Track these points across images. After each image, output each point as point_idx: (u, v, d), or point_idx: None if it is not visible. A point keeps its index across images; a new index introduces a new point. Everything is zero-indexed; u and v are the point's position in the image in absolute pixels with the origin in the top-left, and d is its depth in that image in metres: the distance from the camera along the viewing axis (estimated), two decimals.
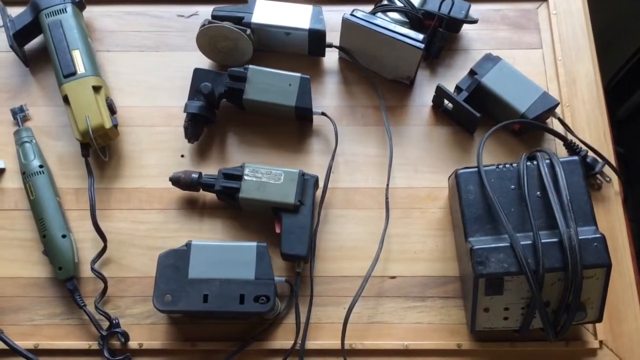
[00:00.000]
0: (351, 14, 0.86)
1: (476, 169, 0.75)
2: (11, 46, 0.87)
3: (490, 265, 0.68)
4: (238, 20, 0.88)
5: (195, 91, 0.86)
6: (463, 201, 0.74)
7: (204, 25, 0.86)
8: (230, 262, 0.76)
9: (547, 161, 0.74)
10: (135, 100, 0.90)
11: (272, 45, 0.91)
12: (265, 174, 0.81)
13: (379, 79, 0.91)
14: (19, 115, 0.88)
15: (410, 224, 0.83)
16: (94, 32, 0.94)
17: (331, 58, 0.93)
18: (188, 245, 0.77)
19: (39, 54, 0.92)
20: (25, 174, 0.83)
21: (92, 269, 0.80)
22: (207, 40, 0.88)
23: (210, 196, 0.85)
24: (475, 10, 0.92)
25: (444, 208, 0.84)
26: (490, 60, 0.87)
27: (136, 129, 0.89)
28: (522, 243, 0.68)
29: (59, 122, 0.89)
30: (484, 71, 0.86)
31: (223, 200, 0.83)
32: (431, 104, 0.90)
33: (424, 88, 0.91)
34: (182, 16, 0.95)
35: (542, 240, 0.68)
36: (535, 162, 0.74)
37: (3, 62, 0.93)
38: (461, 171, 0.75)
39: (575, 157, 0.74)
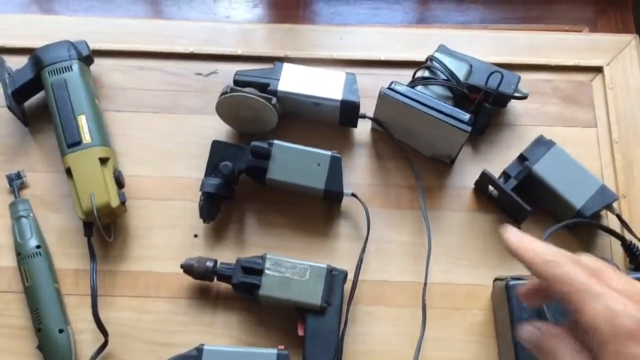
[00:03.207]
0: (389, 88, 0.77)
1: None
2: (9, 107, 0.78)
3: None
4: (263, 87, 0.79)
5: (213, 166, 0.77)
6: (515, 319, 0.65)
7: (225, 93, 0.77)
8: None
9: None
10: (146, 169, 0.82)
11: (299, 114, 0.82)
12: (290, 268, 0.72)
13: (415, 154, 0.83)
14: (15, 183, 0.79)
15: (448, 327, 0.75)
16: (103, 88, 0.85)
17: (363, 128, 0.84)
18: (200, 350, 0.68)
19: (40, 111, 0.83)
20: (21, 255, 0.74)
21: None
22: (227, 108, 0.79)
23: (225, 284, 0.76)
24: (525, 79, 0.83)
25: (486, 310, 0.75)
26: (542, 144, 0.78)
27: (145, 202, 0.80)
28: None
29: (60, 191, 0.80)
30: (536, 157, 0.77)
31: (240, 294, 0.74)
32: (473, 186, 0.81)
33: (466, 167, 0.82)
34: (201, 74, 0.86)
35: None
36: None
37: (0, 119, 0.84)
38: (513, 283, 0.67)
39: None
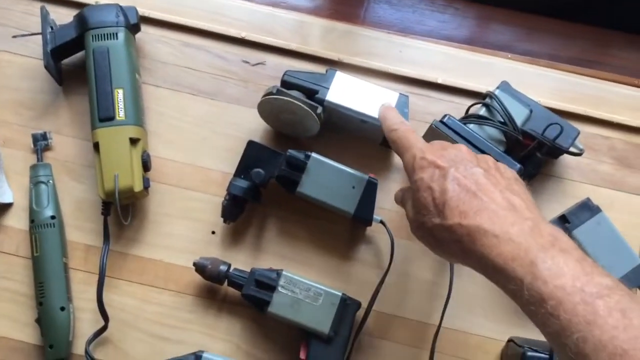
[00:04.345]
0: (441, 121, 0.73)
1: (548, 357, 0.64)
2: (46, 66, 0.75)
3: None
4: (311, 93, 0.75)
5: (244, 167, 0.74)
6: None
7: (270, 93, 0.73)
8: None
9: None
10: (175, 154, 0.79)
11: (342, 127, 0.78)
12: (304, 290, 0.70)
13: None
14: (40, 144, 0.77)
15: None
16: (144, 59, 0.81)
17: None
18: (198, 357, 0.67)
19: (76, 71, 0.80)
20: (34, 223, 0.72)
21: (86, 351, 0.70)
22: (269, 108, 0.75)
23: (234, 290, 0.74)
24: (582, 130, 0.78)
25: None
26: (587, 209, 0.74)
27: (168, 188, 0.77)
28: None
29: (84, 160, 0.78)
30: (578, 221, 0.73)
31: (248, 304, 0.72)
32: None
33: None
34: (248, 63, 0.82)
35: None
36: None
37: (34, 71, 0.80)
38: (531, 354, 0.64)
39: None
